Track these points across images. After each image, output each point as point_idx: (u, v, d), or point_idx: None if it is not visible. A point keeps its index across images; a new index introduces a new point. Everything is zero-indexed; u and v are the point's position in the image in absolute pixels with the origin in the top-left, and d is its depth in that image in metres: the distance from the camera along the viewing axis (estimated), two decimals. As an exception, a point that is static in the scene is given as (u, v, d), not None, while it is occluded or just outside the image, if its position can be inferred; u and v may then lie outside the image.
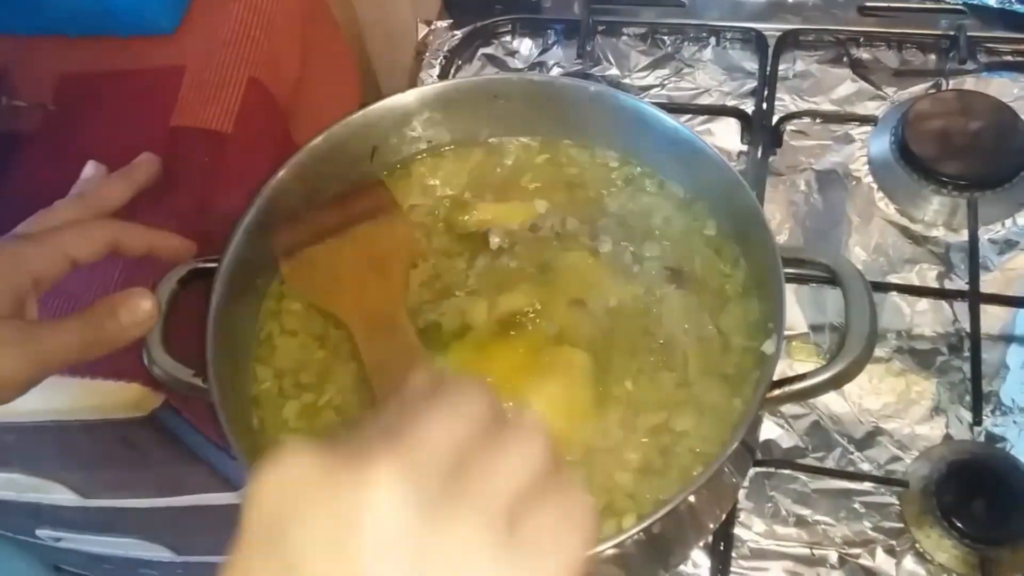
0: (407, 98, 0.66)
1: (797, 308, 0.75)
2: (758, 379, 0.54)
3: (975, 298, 0.71)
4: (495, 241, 0.65)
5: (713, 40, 0.92)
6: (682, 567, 0.64)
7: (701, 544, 0.63)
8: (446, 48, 0.94)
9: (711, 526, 0.61)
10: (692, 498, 0.50)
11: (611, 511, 0.54)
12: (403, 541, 0.28)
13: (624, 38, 0.94)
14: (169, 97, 0.74)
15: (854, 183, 0.81)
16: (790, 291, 0.75)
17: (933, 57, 0.88)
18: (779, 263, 0.54)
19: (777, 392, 0.53)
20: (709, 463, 0.50)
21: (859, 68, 0.88)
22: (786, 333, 0.74)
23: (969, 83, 0.86)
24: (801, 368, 0.59)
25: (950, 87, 0.85)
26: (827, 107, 0.86)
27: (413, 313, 0.62)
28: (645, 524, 0.48)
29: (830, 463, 0.68)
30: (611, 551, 0.49)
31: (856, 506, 0.66)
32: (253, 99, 0.75)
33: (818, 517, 0.66)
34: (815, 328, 0.74)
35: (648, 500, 0.54)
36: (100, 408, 0.66)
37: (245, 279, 0.61)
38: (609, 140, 0.68)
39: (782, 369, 0.63)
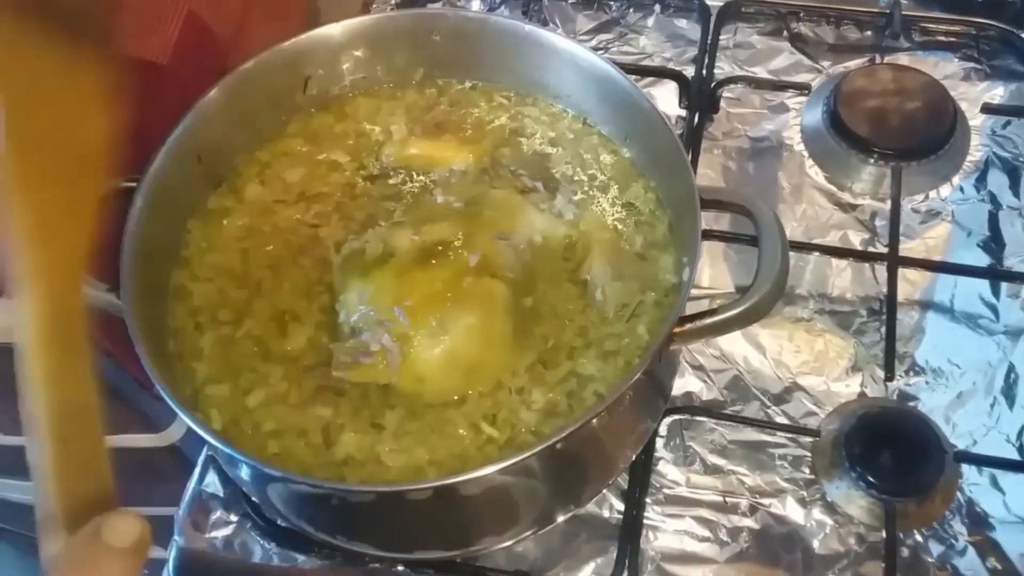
0: (338, 28, 0.66)
1: (725, 269, 0.77)
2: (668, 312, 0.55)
3: (893, 261, 0.73)
4: (425, 177, 0.65)
5: (658, 7, 0.93)
6: (597, 510, 0.64)
7: (612, 483, 0.64)
8: (394, 1, 0.94)
9: (621, 465, 0.62)
10: (596, 423, 0.51)
11: (513, 445, 0.54)
12: None
13: (571, 1, 0.94)
14: (104, 25, 0.73)
15: (787, 151, 0.83)
16: (718, 251, 0.77)
17: (869, 34, 0.90)
18: (696, 199, 0.55)
19: (688, 326, 0.54)
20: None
21: (797, 41, 0.90)
22: (712, 293, 0.75)
23: (903, 60, 0.88)
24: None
25: (884, 63, 0.87)
26: (764, 76, 0.88)
27: (338, 244, 0.62)
28: (548, 443, 0.48)
29: (748, 416, 0.69)
30: (521, 473, 0.50)
31: (770, 458, 0.67)
32: (192, 33, 0.75)
33: (733, 467, 0.67)
34: (741, 289, 0.75)
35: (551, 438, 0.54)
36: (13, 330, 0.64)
37: (167, 200, 0.60)
38: (542, 82, 0.69)
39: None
